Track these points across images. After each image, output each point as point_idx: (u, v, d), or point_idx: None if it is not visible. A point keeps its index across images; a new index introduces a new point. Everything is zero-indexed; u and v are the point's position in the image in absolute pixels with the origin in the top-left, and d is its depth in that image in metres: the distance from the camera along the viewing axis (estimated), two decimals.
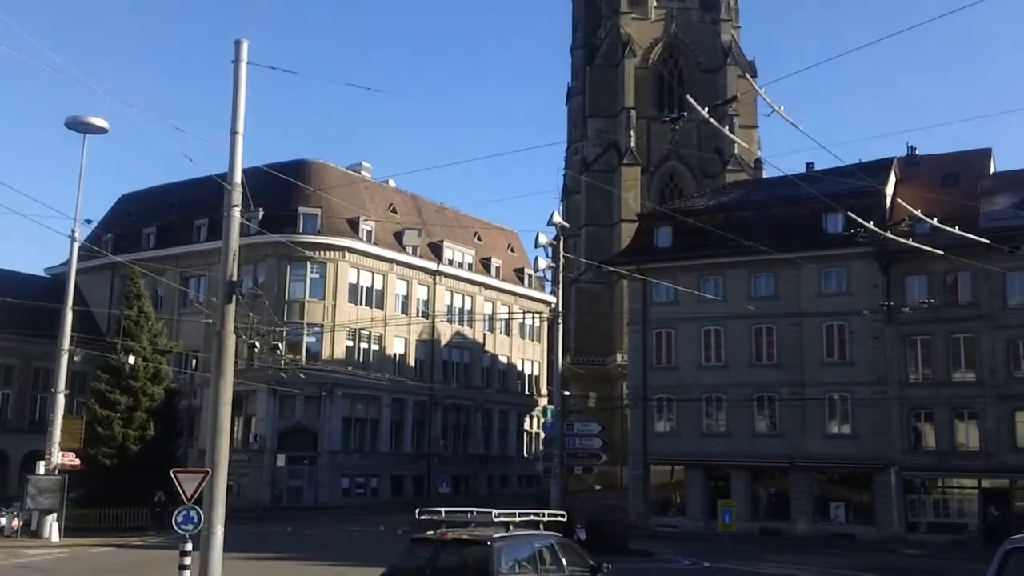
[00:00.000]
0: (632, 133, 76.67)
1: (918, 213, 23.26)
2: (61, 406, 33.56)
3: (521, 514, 14.25)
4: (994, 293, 38.21)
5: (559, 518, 15.68)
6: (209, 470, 14.56)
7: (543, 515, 15.00)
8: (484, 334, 65.82)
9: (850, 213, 23.84)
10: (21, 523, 33.88)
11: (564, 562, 13.96)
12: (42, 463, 33.73)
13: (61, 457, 33.45)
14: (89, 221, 41.63)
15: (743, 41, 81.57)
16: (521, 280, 70.45)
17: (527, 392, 70.52)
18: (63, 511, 33.42)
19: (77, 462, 34.64)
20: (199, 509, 14.88)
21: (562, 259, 32.46)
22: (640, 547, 31.97)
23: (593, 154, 79.14)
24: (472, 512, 14.34)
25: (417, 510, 14.40)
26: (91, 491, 37.25)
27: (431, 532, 13.83)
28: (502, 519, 13.78)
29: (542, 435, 46.81)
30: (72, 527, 33.65)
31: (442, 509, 14.32)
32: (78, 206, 32.85)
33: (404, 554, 13.89)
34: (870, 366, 40.14)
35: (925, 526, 38.80)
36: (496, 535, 13.18)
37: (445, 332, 62.10)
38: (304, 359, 50.89)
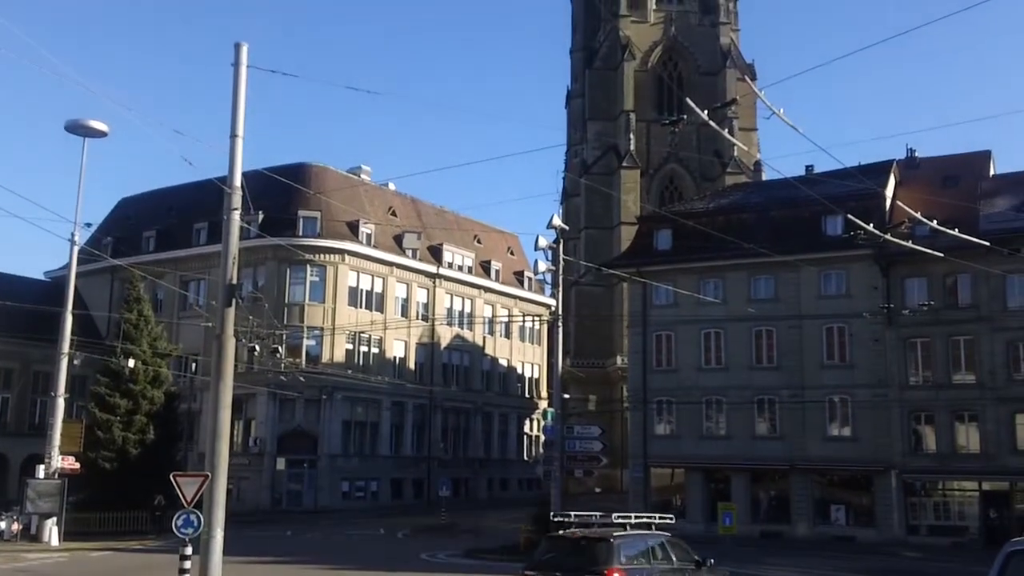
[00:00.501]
0: (632, 136, 76.70)
1: (918, 215, 23.25)
2: (61, 410, 33.52)
3: (636, 517, 17.31)
4: (994, 295, 38.21)
5: (668, 520, 18.22)
6: (209, 474, 14.54)
7: (655, 518, 17.78)
8: (484, 337, 65.81)
9: (850, 215, 23.84)
10: (21, 527, 33.85)
11: (673, 557, 16.51)
12: (42, 467, 33.71)
13: (61, 461, 33.42)
14: (89, 224, 41.50)
15: (742, 44, 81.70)
16: (521, 283, 70.46)
17: (527, 395, 70.50)
18: (63, 515, 33.39)
19: (77, 466, 34.61)
20: (199, 513, 14.85)
21: (562, 262, 32.43)
22: None
23: (593, 157, 79.16)
24: (596, 516, 17.17)
25: (552, 513, 18.17)
26: (91, 495, 37.21)
27: (563, 531, 16.58)
28: (620, 520, 16.59)
29: (542, 438, 46.69)
30: (72, 531, 33.62)
31: (572, 512, 17.51)
32: (78, 209, 32.86)
33: (542, 549, 16.53)
34: (870, 368, 40.13)
35: (926, 529, 38.77)
36: (616, 533, 15.73)
37: (445, 335, 62.08)
38: (304, 362, 50.88)
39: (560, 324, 35.57)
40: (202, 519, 14.55)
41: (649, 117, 76.79)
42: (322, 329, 53.32)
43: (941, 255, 24.82)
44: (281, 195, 49.01)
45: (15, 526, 33.93)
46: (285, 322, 50.29)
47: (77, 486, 35.77)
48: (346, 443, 54.17)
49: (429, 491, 55.73)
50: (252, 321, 37.61)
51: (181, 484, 15.49)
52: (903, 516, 38.98)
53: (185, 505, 15.36)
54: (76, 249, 33.95)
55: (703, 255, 42.58)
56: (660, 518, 17.87)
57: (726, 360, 43.22)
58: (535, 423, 68.08)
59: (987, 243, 24.69)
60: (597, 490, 57.89)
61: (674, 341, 44.41)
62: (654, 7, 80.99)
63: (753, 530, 39.73)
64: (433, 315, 60.32)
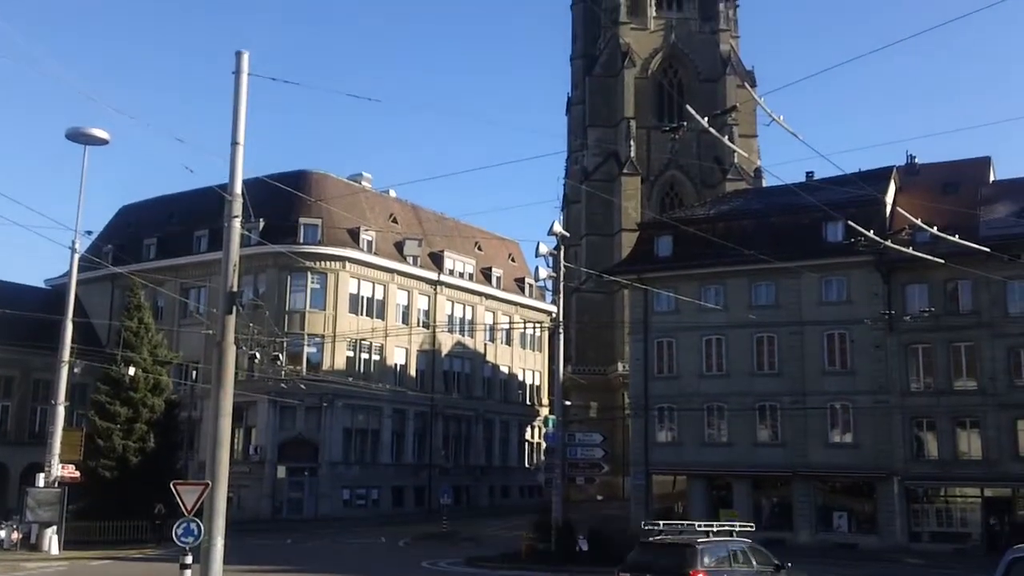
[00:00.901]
0: (632, 143, 76.78)
1: (918, 222, 23.22)
2: (61, 418, 33.49)
3: (718, 525, 19.42)
4: (994, 301, 38.17)
5: (748, 528, 20.14)
6: (209, 482, 14.50)
7: (736, 526, 19.66)
8: (485, 344, 65.75)
9: (850, 222, 23.89)
10: (20, 536, 33.79)
11: (754, 561, 18.22)
12: (42, 475, 33.64)
13: (61, 469, 33.36)
14: (90, 232, 41.69)
15: (742, 51, 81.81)
16: (522, 290, 70.42)
17: (528, 402, 70.41)
18: (63, 524, 33.33)
19: (77, 474, 34.54)
20: (199, 521, 14.82)
21: (563, 269, 32.44)
22: None
23: (593, 164, 79.24)
24: (683, 524, 19.58)
25: (643, 522, 20.00)
26: (91, 503, 37.13)
27: (652, 537, 18.46)
28: (703, 528, 18.69)
29: (543, 445, 46.64)
30: (72, 540, 33.55)
31: (660, 522, 19.39)
32: (78, 217, 32.90)
33: (634, 554, 18.33)
34: (871, 375, 40.07)
35: (928, 535, 38.67)
36: (699, 539, 17.62)
37: (446, 342, 62.04)
38: (305, 370, 50.84)
39: (561, 331, 35.54)
40: (202, 528, 14.51)
41: (649, 124, 76.92)
42: (323, 336, 53.28)
43: (942, 261, 24.85)
44: (282, 202, 49.01)
45: (15, 535, 33.88)
46: (286, 329, 50.27)
47: (77, 495, 35.70)
48: (347, 451, 54.06)
49: (430, 499, 55.61)
50: (253, 328, 37.63)
51: (181, 492, 15.48)
52: (905, 523, 38.88)
53: (185, 513, 15.34)
54: (77, 257, 33.96)
55: (704, 262, 42.56)
56: (741, 526, 19.79)
57: (727, 367, 43.17)
58: (536, 430, 67.95)
59: (987, 249, 24.71)
60: (599, 498, 57.78)
61: (675, 348, 44.35)
62: (654, 14, 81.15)
63: (755, 537, 39.45)
64: (434, 322, 60.28)
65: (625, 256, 57.55)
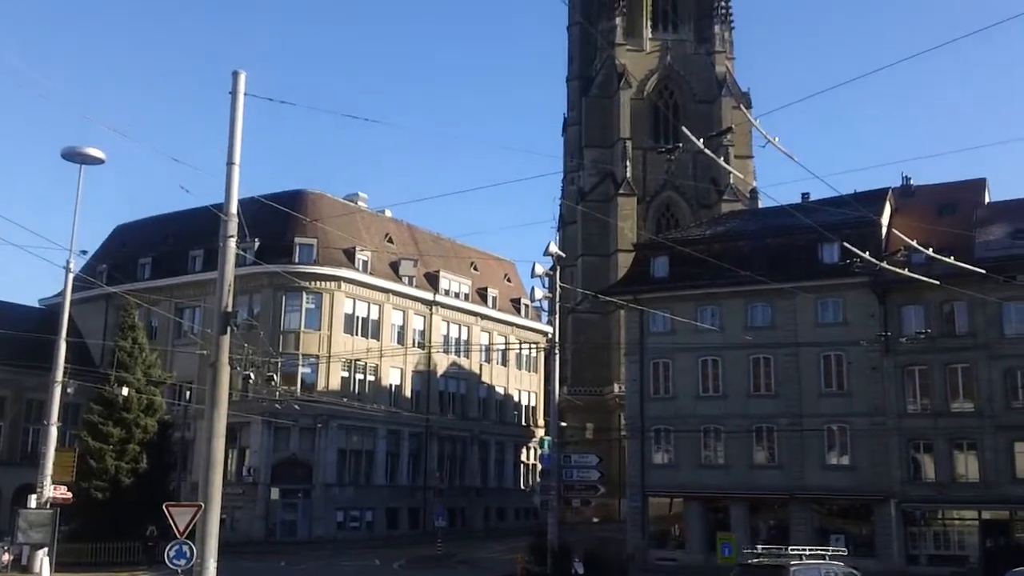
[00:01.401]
0: (628, 163, 76.93)
1: (913, 243, 23.26)
2: (54, 438, 33.20)
3: (810, 550, 21.75)
4: (991, 323, 38.17)
5: (841, 552, 22.67)
6: (202, 504, 14.36)
7: (828, 551, 22.15)
8: (481, 365, 65.57)
9: (846, 243, 23.86)
10: (12, 558, 33.44)
11: None
12: (34, 496, 33.33)
13: (53, 490, 33.04)
14: (84, 252, 41.45)
15: (737, 73, 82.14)
16: (518, 310, 70.34)
17: (524, 423, 70.14)
18: (54, 545, 32.95)
19: (69, 495, 34.22)
20: (192, 544, 14.68)
21: (559, 289, 32.44)
22: None
23: (589, 184, 79.38)
24: (781, 548, 21.62)
25: (745, 550, 23.20)
26: (83, 525, 36.84)
27: (751, 560, 20.80)
28: (796, 552, 20.83)
29: (539, 467, 46.39)
30: (63, 562, 33.19)
31: (759, 546, 21.98)
32: (73, 237, 32.73)
33: (735, 574, 20.73)
34: (868, 396, 39.99)
35: (925, 558, 38.47)
36: (793, 562, 19.71)
37: (441, 363, 61.85)
38: (299, 390, 50.63)
39: (557, 351, 35.49)
40: (195, 550, 14.37)
41: (645, 145, 77.09)
42: (318, 356, 53.08)
43: (937, 283, 24.80)
44: (277, 222, 48.99)
45: (6, 557, 33.52)
46: (280, 349, 50.04)
47: (69, 516, 35.38)
48: (341, 472, 53.72)
49: (425, 521, 55.26)
50: (247, 349, 37.45)
51: (174, 514, 15.34)
52: (903, 546, 38.68)
53: (178, 536, 15.20)
54: (71, 277, 33.80)
55: (700, 282, 42.56)
56: (833, 551, 22.31)
57: (724, 388, 43.06)
58: (532, 451, 67.69)
59: (983, 271, 24.71)
60: (595, 520, 57.45)
61: (671, 369, 44.26)
62: (649, 36, 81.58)
63: None
64: (429, 342, 60.14)
65: (621, 277, 57.54)
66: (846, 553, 23.52)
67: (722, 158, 20.79)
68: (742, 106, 74.86)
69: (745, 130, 62.60)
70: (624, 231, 72.69)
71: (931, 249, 23.06)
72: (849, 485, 39.95)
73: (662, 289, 45.02)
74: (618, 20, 79.96)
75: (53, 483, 33.07)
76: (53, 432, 33.11)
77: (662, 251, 46.61)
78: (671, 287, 44.63)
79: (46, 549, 32.71)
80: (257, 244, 48.96)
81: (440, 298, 61.47)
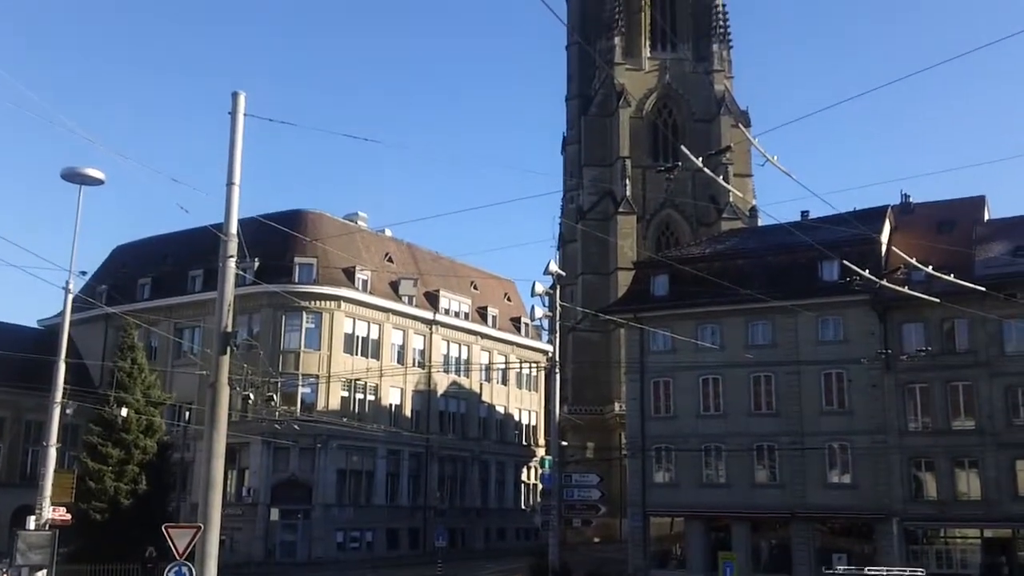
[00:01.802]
0: (627, 182, 77.15)
1: (913, 261, 23.30)
2: (52, 460, 32.96)
3: (887, 570, 24.27)
4: (991, 340, 38.14)
5: (919, 572, 25.10)
6: (201, 525, 14.28)
7: (907, 570, 24.52)
8: (481, 384, 65.42)
9: (845, 261, 23.90)
10: None
11: None
12: (32, 518, 33.16)
13: (52, 512, 32.86)
14: (84, 272, 41.37)
15: (736, 91, 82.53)
16: (518, 329, 70.25)
17: (524, 442, 69.90)
18: (53, 567, 32.64)
19: (68, 517, 34.01)
20: (191, 565, 14.57)
21: (559, 308, 32.43)
22: None
23: (589, 203, 79.56)
24: (863, 569, 23.78)
25: (827, 569, 25.94)
26: (82, 546, 36.62)
27: None
28: (874, 571, 23.34)
29: (540, 486, 46.21)
30: None
31: (840, 567, 24.44)
32: (73, 257, 32.69)
33: None
34: (869, 414, 39.90)
35: None
36: None
37: (441, 382, 61.71)
38: (299, 410, 50.43)
39: (557, 371, 35.42)
40: (194, 571, 14.27)
41: (644, 163, 77.36)
42: (317, 376, 52.95)
43: (937, 300, 24.87)
44: (277, 242, 48.98)
45: None
46: (280, 369, 49.92)
47: (68, 537, 35.13)
48: (341, 492, 53.48)
49: (425, 541, 54.97)
50: (247, 369, 37.31)
51: (173, 535, 15.23)
52: (905, 564, 38.32)
53: (177, 557, 15.08)
54: (70, 297, 33.76)
55: (700, 301, 42.55)
56: (912, 571, 24.45)
57: (724, 407, 42.97)
58: (533, 471, 67.44)
59: (983, 288, 24.76)
60: (596, 540, 57.23)
61: (672, 388, 44.19)
62: (648, 55, 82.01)
63: None
64: (429, 362, 60.03)
65: (621, 295, 57.55)
66: (923, 572, 25.49)
67: (721, 176, 20.81)
68: (741, 125, 74.85)
69: (744, 148, 62.80)
70: (624, 249, 72.81)
71: (931, 267, 23.09)
72: (850, 504, 39.79)
73: (662, 307, 45.01)
74: (617, 39, 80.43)
75: (52, 504, 32.86)
76: (52, 453, 32.92)
77: (662, 269, 46.65)
78: (671, 305, 44.63)
79: (45, 571, 32.46)
80: (257, 264, 48.82)
81: (440, 317, 61.42)
